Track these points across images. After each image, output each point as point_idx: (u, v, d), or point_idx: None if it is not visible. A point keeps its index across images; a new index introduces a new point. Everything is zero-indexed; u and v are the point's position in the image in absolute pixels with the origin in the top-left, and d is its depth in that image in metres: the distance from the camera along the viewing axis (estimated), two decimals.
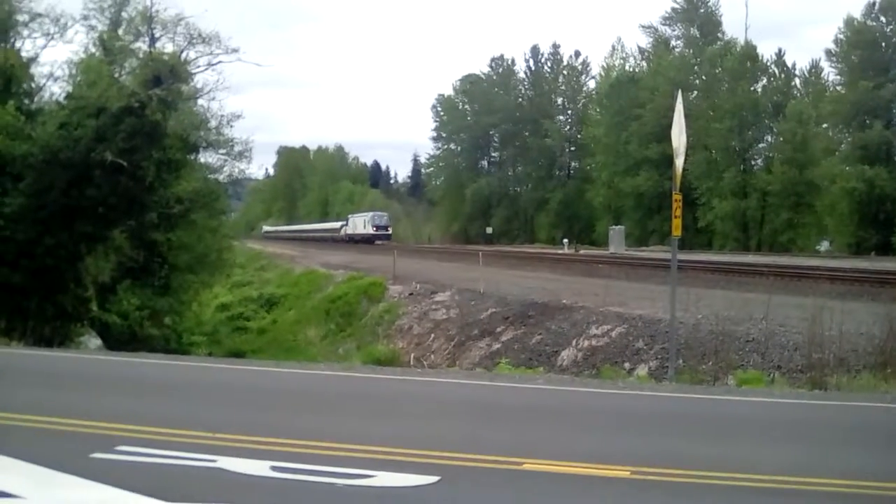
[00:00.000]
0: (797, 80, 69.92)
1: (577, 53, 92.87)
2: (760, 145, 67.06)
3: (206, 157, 31.78)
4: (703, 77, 68.44)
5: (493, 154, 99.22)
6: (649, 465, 7.01)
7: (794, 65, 69.85)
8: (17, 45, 30.13)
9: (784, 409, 10.62)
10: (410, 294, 29.31)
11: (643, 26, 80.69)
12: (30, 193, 25.15)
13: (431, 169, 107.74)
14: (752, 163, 66.30)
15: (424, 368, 19.74)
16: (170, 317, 29.56)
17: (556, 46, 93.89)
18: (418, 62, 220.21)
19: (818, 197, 59.14)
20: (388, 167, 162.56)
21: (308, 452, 7.31)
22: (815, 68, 69.52)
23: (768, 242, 60.22)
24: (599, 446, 8.07)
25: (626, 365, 16.21)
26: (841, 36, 62.23)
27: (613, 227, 54.79)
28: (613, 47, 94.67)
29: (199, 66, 29.30)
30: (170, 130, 27.41)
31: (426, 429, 8.89)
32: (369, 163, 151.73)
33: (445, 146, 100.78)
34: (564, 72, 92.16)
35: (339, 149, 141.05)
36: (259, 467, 6.78)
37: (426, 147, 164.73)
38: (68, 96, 28.39)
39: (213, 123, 30.18)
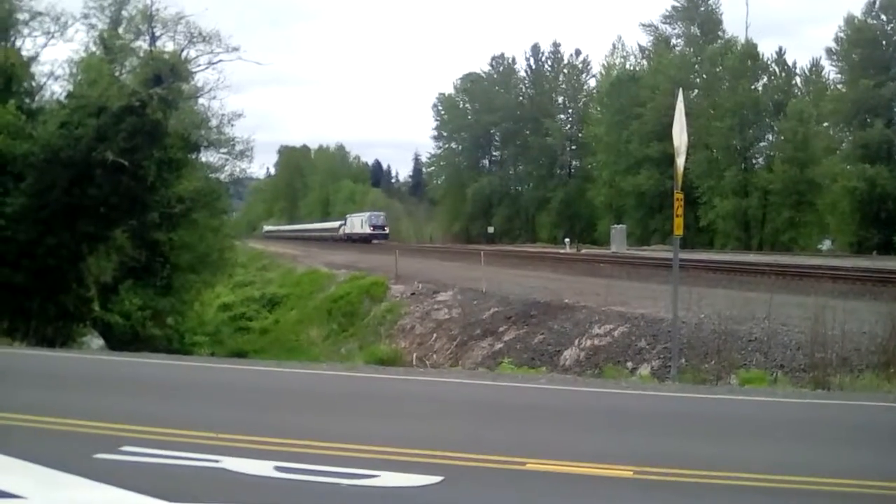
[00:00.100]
0: (798, 79, 70.06)
1: (578, 52, 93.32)
2: (761, 144, 67.05)
3: (208, 157, 31.87)
4: (704, 76, 68.41)
5: (494, 153, 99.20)
6: (652, 465, 7.01)
7: (794, 63, 70.05)
8: (18, 43, 30.19)
9: (787, 408, 10.62)
10: (412, 294, 29.31)
11: (644, 25, 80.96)
12: (31, 193, 25.16)
13: (432, 168, 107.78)
14: (753, 161, 66.24)
15: (427, 368, 19.74)
16: (172, 317, 29.57)
17: (556, 45, 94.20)
18: (419, 61, 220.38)
19: (819, 196, 59.09)
20: (389, 166, 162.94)
21: (311, 452, 7.31)
22: (815, 67, 69.65)
23: (770, 241, 60.18)
24: (602, 446, 8.06)
25: (629, 364, 16.20)
26: (841, 34, 62.30)
27: (615, 226, 54.79)
28: (614, 46, 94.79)
29: (199, 65, 29.37)
30: (171, 129, 27.44)
31: (429, 429, 8.89)
32: (370, 162, 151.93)
33: (446, 145, 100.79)
34: (565, 70, 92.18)
35: (340, 148, 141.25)
36: (263, 467, 6.78)
37: (427, 146, 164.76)
38: (69, 95, 28.40)
39: (213, 122, 30.26)
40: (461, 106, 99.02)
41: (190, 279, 30.70)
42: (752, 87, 64.17)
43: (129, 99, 26.19)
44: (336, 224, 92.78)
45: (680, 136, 13.71)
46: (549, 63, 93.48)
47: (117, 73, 28.28)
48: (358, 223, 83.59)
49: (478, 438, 8.20)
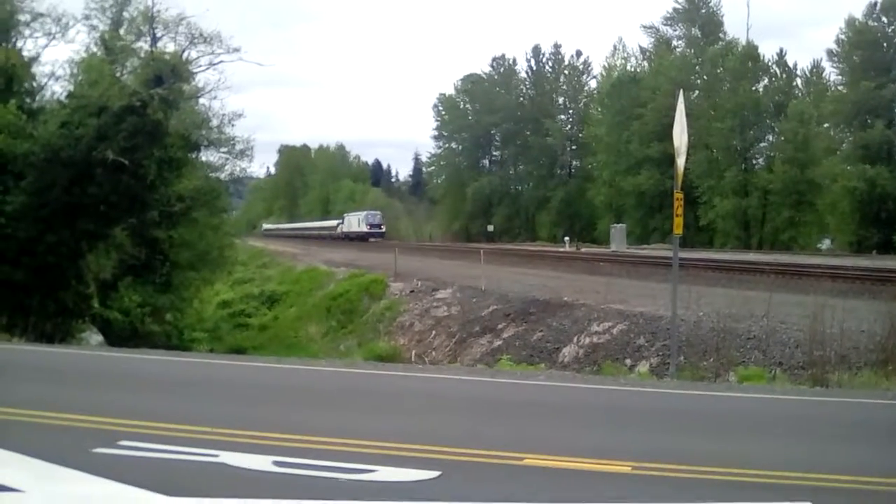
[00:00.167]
0: (798, 80, 70.10)
1: (579, 53, 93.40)
2: (762, 144, 67.08)
3: (208, 156, 31.91)
4: (705, 77, 68.41)
5: (494, 153, 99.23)
6: (650, 461, 7.01)
7: (795, 65, 70.08)
8: (19, 44, 30.24)
9: (785, 405, 10.63)
10: (412, 291, 29.32)
11: (644, 26, 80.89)
12: (31, 192, 25.19)
13: (433, 168, 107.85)
14: (754, 162, 66.26)
15: (426, 365, 19.75)
16: (171, 313, 29.57)
17: (557, 46, 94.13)
18: (420, 61, 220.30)
19: (819, 196, 59.12)
20: (389, 166, 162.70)
21: (310, 447, 7.31)
22: (816, 68, 69.67)
23: (769, 241, 60.19)
24: (601, 442, 8.06)
25: (628, 361, 16.23)
26: (842, 36, 62.32)
27: (615, 225, 54.81)
28: (615, 47, 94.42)
29: (200, 66, 29.43)
30: (171, 129, 27.47)
31: (427, 424, 8.89)
32: (370, 161, 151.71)
33: (447, 145, 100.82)
34: (566, 71, 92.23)
35: (341, 147, 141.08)
36: (261, 462, 6.78)
37: (427, 146, 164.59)
38: (70, 95, 28.43)
39: (214, 122, 30.29)
40: (462, 106, 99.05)
41: (189, 276, 30.73)
42: (753, 88, 64.20)
43: (129, 99, 26.22)
44: (334, 223, 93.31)
45: (680, 136, 13.72)
46: (550, 64, 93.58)
47: (118, 74, 28.31)
48: (355, 222, 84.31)
49: (476, 434, 8.20)
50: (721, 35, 72.83)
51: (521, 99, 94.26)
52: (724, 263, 31.35)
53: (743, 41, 68.39)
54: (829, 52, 64.95)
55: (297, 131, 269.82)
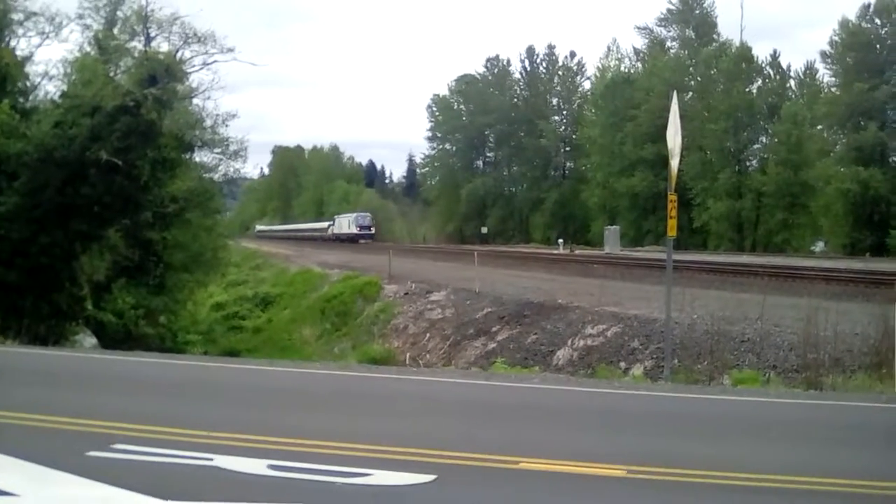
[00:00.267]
0: (792, 82, 70.20)
1: (573, 54, 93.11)
2: (755, 146, 67.27)
3: (201, 157, 31.93)
4: (699, 78, 68.59)
5: (488, 154, 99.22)
6: (645, 465, 7.00)
7: (788, 66, 70.16)
8: (12, 43, 30.19)
9: (779, 408, 10.63)
10: (406, 294, 29.32)
11: (638, 27, 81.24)
12: (24, 192, 25.13)
13: (427, 169, 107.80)
14: (747, 164, 66.46)
15: (420, 367, 19.72)
16: (165, 316, 29.57)
17: (551, 47, 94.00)
18: (414, 62, 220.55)
19: (813, 198, 59.24)
20: (383, 167, 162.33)
21: (304, 451, 7.30)
22: (809, 70, 69.93)
23: (763, 243, 60.35)
24: (595, 445, 8.07)
25: (622, 364, 16.24)
26: (836, 38, 62.42)
27: (609, 227, 54.82)
28: (609, 48, 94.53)
29: (194, 66, 29.45)
30: (165, 129, 27.44)
31: (422, 428, 8.89)
32: (364, 162, 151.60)
33: (441, 146, 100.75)
34: (560, 72, 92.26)
35: (335, 148, 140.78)
36: (256, 466, 6.76)
37: (421, 147, 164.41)
38: (63, 95, 28.38)
39: (208, 123, 30.32)
40: (455, 107, 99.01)
41: (183, 278, 30.71)
42: (747, 89, 64.38)
43: (123, 99, 26.18)
44: (325, 224, 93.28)
45: (674, 138, 13.74)
46: (544, 65, 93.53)
47: (112, 74, 28.29)
48: (345, 223, 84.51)
49: (471, 437, 8.19)
50: (715, 36, 73.12)
51: (515, 100, 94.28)
52: (717, 266, 31.43)
53: (737, 42, 68.80)
54: (823, 54, 65.15)
55: (290, 132, 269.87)
